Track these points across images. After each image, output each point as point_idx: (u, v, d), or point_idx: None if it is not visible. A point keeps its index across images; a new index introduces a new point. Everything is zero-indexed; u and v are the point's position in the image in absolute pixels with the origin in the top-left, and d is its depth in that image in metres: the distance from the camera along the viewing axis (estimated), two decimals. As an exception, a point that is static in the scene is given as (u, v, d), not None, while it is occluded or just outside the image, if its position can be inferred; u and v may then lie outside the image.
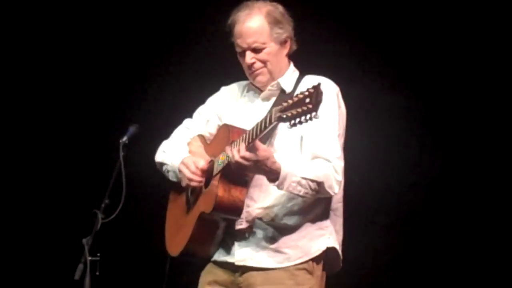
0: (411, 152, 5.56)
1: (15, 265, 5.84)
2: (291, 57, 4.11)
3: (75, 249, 4.19)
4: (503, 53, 5.38)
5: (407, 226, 5.53)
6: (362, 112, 5.31)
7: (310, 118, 3.46)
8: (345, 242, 4.03)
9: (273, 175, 3.74)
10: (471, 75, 5.45)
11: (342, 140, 3.98)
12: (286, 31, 4.01)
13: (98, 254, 4.07)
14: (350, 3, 5.58)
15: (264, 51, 3.98)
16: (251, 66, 4.00)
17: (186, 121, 4.28)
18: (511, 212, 5.38)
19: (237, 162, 3.69)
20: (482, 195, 5.42)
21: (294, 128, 3.53)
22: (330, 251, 3.96)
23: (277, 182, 3.75)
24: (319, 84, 3.48)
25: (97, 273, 4.03)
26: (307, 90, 3.49)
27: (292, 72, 4.08)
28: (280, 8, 4.04)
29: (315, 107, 3.45)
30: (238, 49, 4.03)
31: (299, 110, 3.47)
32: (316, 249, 3.92)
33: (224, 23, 4.05)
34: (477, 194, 5.44)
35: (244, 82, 4.19)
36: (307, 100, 3.46)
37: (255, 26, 3.98)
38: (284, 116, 3.52)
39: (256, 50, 3.99)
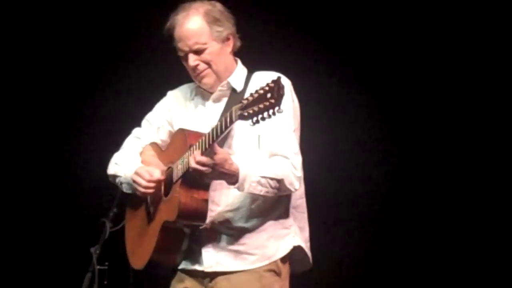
0: (371, 145, 5.54)
1: (24, 274, 5.82)
2: (238, 55, 4.03)
3: (83, 258, 4.17)
4: (456, 42, 5.39)
5: (371, 220, 5.51)
6: (316, 106, 5.27)
7: (274, 113, 3.40)
8: (312, 239, 3.99)
9: (232, 178, 3.69)
10: (427, 69, 5.45)
11: (298, 134, 3.93)
12: (226, 28, 3.92)
13: (106, 263, 4.08)
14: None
15: (206, 51, 3.90)
16: (195, 68, 3.92)
17: (136, 131, 4.18)
18: (473, 201, 5.38)
19: (194, 168, 3.63)
20: (444, 185, 5.42)
21: (256, 125, 3.46)
22: (296, 250, 3.91)
23: (237, 185, 3.70)
24: (279, 78, 3.42)
25: (105, 282, 4.04)
26: (267, 85, 3.42)
27: (241, 70, 4.00)
28: (218, 6, 3.96)
29: (278, 101, 3.38)
30: (180, 53, 3.95)
31: (261, 106, 3.40)
32: (283, 248, 3.88)
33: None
34: (439, 183, 5.43)
35: (190, 85, 4.11)
36: (269, 95, 3.39)
37: (194, 27, 3.90)
38: (246, 113, 3.45)
39: (198, 52, 3.90)
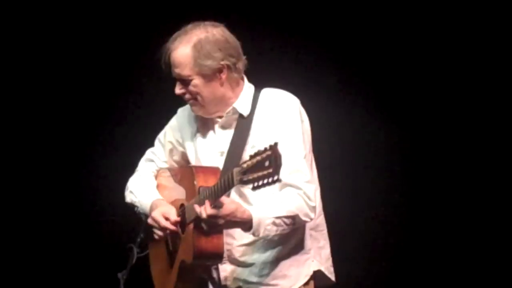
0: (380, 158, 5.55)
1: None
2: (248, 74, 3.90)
3: (111, 284, 4.19)
4: (449, 36, 5.36)
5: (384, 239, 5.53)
6: (325, 119, 5.18)
7: (273, 182, 3.27)
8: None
9: (246, 225, 3.61)
10: (437, 79, 5.43)
11: (310, 156, 3.83)
12: (217, 62, 3.73)
13: (133, 289, 4.10)
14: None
15: (192, 83, 3.77)
16: (182, 96, 3.83)
17: (149, 153, 4.13)
18: (484, 210, 5.38)
19: (206, 221, 3.56)
20: (457, 200, 5.42)
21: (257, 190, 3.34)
22: (317, 273, 3.87)
23: (251, 231, 3.61)
24: (275, 144, 3.25)
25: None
26: (265, 151, 3.27)
27: (247, 90, 3.86)
28: (218, 34, 3.76)
29: (276, 172, 3.24)
30: (173, 75, 3.85)
31: (260, 174, 3.28)
32: (304, 275, 3.84)
33: None
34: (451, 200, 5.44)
35: None
36: (266, 163, 3.26)
37: (179, 57, 3.76)
38: (246, 179, 3.33)
39: (184, 81, 3.79)
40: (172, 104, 4.16)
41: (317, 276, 3.89)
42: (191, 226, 3.72)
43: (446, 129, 5.45)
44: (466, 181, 5.42)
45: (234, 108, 3.84)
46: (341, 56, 5.47)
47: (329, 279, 3.93)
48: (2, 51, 5.80)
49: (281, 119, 3.77)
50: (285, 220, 3.65)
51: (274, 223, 3.63)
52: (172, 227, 3.82)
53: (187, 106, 3.99)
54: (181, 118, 4.05)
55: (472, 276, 5.40)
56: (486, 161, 5.40)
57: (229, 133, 3.86)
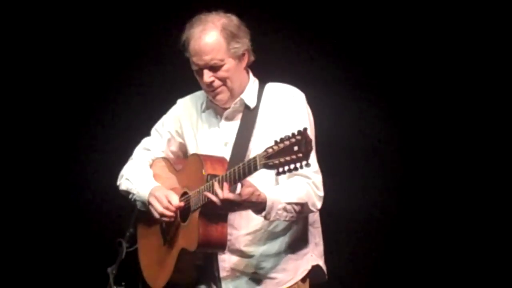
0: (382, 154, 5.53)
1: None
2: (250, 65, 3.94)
3: (100, 278, 4.17)
4: (457, 40, 5.37)
5: (386, 234, 5.52)
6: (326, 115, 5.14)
7: (301, 167, 3.32)
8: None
9: (259, 207, 3.62)
10: (443, 80, 5.42)
11: (314, 151, 3.84)
12: (243, 44, 3.81)
13: (123, 283, 4.08)
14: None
15: (223, 68, 3.79)
16: (210, 84, 3.81)
17: (145, 141, 4.11)
18: (486, 214, 5.37)
19: (221, 205, 3.57)
20: (455, 200, 5.41)
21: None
22: (314, 268, 3.89)
23: (263, 213, 3.63)
24: (305, 130, 3.32)
25: (123, 302, 4.03)
26: (294, 136, 3.32)
27: (253, 83, 3.91)
28: (235, 20, 3.84)
29: (306, 157, 3.30)
30: (194, 67, 3.83)
31: (288, 158, 3.32)
32: (302, 269, 3.86)
33: (178, 37, 3.86)
34: (449, 197, 5.42)
35: (201, 95, 4.00)
36: (295, 148, 3.31)
37: (211, 42, 3.76)
38: (271, 163, 3.36)
39: (214, 68, 3.79)
40: (165, 96, 4.17)
41: (313, 271, 3.90)
42: (196, 214, 3.71)
43: (449, 128, 5.45)
44: (465, 179, 5.43)
45: (241, 100, 3.86)
46: (344, 52, 5.48)
47: (323, 275, 3.95)
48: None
49: (289, 110, 3.79)
50: (295, 207, 3.69)
51: (285, 209, 3.66)
52: (173, 209, 3.81)
53: (188, 97, 4.03)
54: (181, 109, 4.05)
55: (470, 274, 5.39)
56: (486, 160, 5.40)
57: (234, 124, 3.88)
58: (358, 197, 5.49)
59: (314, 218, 3.92)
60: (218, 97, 3.85)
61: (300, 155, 3.30)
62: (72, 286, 5.76)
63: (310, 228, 3.91)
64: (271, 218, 3.66)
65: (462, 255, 5.39)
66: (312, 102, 3.95)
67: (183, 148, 4.04)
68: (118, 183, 4.07)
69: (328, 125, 5.14)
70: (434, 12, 5.37)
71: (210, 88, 3.83)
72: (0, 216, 5.85)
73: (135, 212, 4.12)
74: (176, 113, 4.06)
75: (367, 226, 5.52)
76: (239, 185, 3.60)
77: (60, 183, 5.87)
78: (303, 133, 3.31)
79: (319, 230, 3.96)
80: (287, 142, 3.33)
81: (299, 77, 4.01)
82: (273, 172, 3.43)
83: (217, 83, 3.82)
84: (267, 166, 3.38)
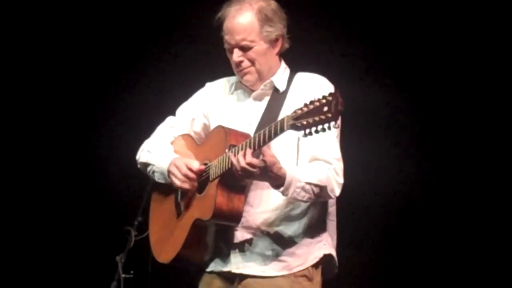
0: (402, 154, 5.51)
1: (50, 283, 5.86)
2: (282, 54, 3.95)
3: (108, 267, 4.18)
4: (494, 60, 5.35)
5: (397, 228, 5.49)
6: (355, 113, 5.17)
7: (329, 128, 3.34)
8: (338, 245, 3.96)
9: (278, 181, 3.62)
10: (461, 79, 5.41)
11: (339, 139, 3.86)
12: (277, 29, 3.84)
13: (132, 272, 4.09)
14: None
15: (253, 49, 3.83)
16: (238, 64, 3.85)
17: (169, 119, 4.11)
18: (499, 211, 5.35)
19: (243, 169, 3.55)
20: (475, 197, 5.38)
21: (308, 136, 3.39)
22: (326, 257, 3.86)
23: (282, 188, 3.63)
24: (337, 91, 3.35)
25: (131, 291, 4.04)
26: (324, 97, 3.35)
27: (283, 70, 3.93)
28: (272, 4, 3.87)
29: (335, 117, 3.31)
30: (226, 46, 3.87)
31: (316, 119, 3.33)
32: (314, 256, 3.83)
33: (209, 17, 3.89)
34: (469, 195, 5.39)
35: (231, 79, 4.03)
36: (325, 108, 3.32)
37: (244, 23, 3.81)
38: (299, 124, 3.38)
39: (244, 48, 3.83)
40: (191, 79, 4.19)
41: (324, 262, 3.87)
42: (214, 183, 3.70)
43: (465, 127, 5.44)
44: (472, 178, 5.41)
45: (271, 82, 3.89)
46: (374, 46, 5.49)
47: (334, 267, 3.92)
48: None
49: (316, 96, 3.76)
50: (314, 188, 3.68)
51: (303, 188, 3.66)
52: (194, 176, 3.80)
53: (217, 81, 4.06)
54: (209, 91, 4.07)
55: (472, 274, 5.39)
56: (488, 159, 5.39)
57: (261, 105, 3.90)
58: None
59: (330, 210, 3.91)
60: (246, 77, 3.89)
61: (330, 115, 3.31)
62: (81, 274, 5.77)
63: (325, 219, 3.89)
64: (289, 195, 3.65)
65: (487, 249, 5.37)
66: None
67: (206, 129, 4.04)
68: (137, 156, 4.06)
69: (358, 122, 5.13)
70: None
71: (239, 68, 3.87)
72: (12, 205, 5.86)
73: (144, 200, 4.12)
74: (203, 94, 4.08)
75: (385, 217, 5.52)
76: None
77: (69, 172, 5.90)
78: (334, 94, 3.34)
79: (334, 224, 3.94)
80: (317, 103, 3.35)
81: (329, 72, 4.00)
82: (296, 139, 3.53)
83: (246, 63, 3.86)
84: (294, 127, 3.40)
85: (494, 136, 5.38)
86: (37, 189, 5.88)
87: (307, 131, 3.37)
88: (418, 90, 5.47)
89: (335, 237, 3.94)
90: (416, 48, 5.46)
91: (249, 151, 3.56)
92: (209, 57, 4.04)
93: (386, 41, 5.48)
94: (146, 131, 4.14)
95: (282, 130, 3.47)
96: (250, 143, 3.59)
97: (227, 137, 3.72)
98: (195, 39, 5.45)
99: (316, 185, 3.68)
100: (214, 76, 4.11)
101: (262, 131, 3.56)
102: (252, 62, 3.85)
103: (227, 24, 3.84)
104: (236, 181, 3.67)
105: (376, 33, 5.47)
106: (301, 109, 3.39)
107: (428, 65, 5.45)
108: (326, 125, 3.33)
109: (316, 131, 3.36)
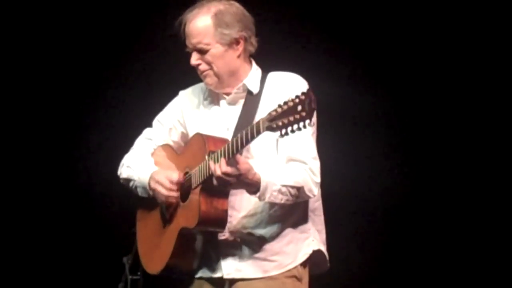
0: (388, 151, 5.55)
1: (57, 284, 5.89)
2: (253, 55, 3.94)
3: (116, 268, 4.20)
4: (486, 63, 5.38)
5: (389, 222, 5.51)
6: (330, 107, 5.12)
7: (304, 126, 3.34)
8: (329, 241, 3.96)
9: (254, 188, 3.64)
10: (448, 74, 5.44)
11: (315, 138, 3.87)
12: (235, 32, 3.82)
13: (139, 273, 4.10)
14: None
15: (209, 52, 3.83)
16: (196, 67, 3.87)
17: (147, 131, 4.10)
18: (488, 209, 5.38)
19: (219, 178, 3.57)
20: (459, 192, 5.42)
21: (285, 136, 3.40)
22: (316, 253, 3.88)
23: (258, 194, 3.64)
24: (309, 90, 3.36)
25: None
26: (297, 97, 3.35)
27: (255, 71, 3.92)
28: (234, 8, 3.87)
29: (309, 115, 3.32)
30: (186, 49, 3.89)
31: (291, 118, 3.34)
32: (303, 253, 3.84)
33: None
34: (454, 190, 5.44)
35: (203, 85, 4.01)
36: (299, 107, 3.33)
37: (199, 26, 3.82)
38: (274, 125, 3.38)
39: (201, 51, 3.84)
40: (166, 89, 4.20)
41: (314, 257, 3.89)
42: (197, 191, 3.71)
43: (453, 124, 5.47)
44: (466, 176, 5.45)
45: (244, 85, 3.89)
46: (350, 44, 5.50)
47: (325, 262, 3.94)
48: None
49: (291, 95, 3.74)
50: (291, 190, 3.70)
51: (280, 191, 3.67)
52: (176, 187, 3.81)
53: (190, 88, 4.06)
54: (183, 99, 4.07)
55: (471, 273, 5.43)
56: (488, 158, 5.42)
57: (236, 109, 3.90)
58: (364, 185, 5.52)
59: (315, 205, 3.92)
60: (206, 80, 3.90)
61: (304, 114, 3.33)
62: (89, 276, 5.79)
63: (311, 215, 3.90)
64: (266, 199, 3.67)
65: (473, 249, 5.40)
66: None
67: (184, 138, 4.04)
68: (119, 172, 4.06)
69: (334, 116, 5.17)
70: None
71: (198, 71, 3.89)
72: (14, 208, 5.89)
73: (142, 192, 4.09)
74: (178, 103, 4.08)
75: (372, 215, 5.54)
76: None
77: (73, 174, 5.90)
78: (307, 92, 3.35)
79: (321, 218, 3.95)
80: (291, 103, 3.36)
81: (300, 69, 4.03)
82: (275, 141, 3.55)
83: (203, 66, 3.87)
84: (270, 129, 3.41)
85: (481, 136, 5.40)
86: (46, 189, 5.89)
87: (283, 131, 3.38)
88: (401, 90, 5.49)
89: (324, 231, 3.95)
90: (399, 49, 5.48)
91: (223, 160, 3.57)
92: (180, 64, 4.06)
93: (368, 41, 5.48)
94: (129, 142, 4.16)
95: (258, 133, 3.48)
96: (228, 148, 3.59)
97: (206, 144, 3.73)
98: (165, 47, 5.42)
99: (292, 187, 3.70)
100: (187, 84, 4.11)
101: (239, 135, 3.57)
102: (210, 65, 3.85)
103: (185, 28, 3.86)
104: (217, 188, 3.67)
105: (358, 33, 5.49)
106: (275, 110, 3.40)
107: (413, 67, 5.47)
108: (301, 124, 3.34)
109: (292, 131, 3.37)
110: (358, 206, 5.53)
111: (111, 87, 5.80)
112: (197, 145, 3.80)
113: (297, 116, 3.34)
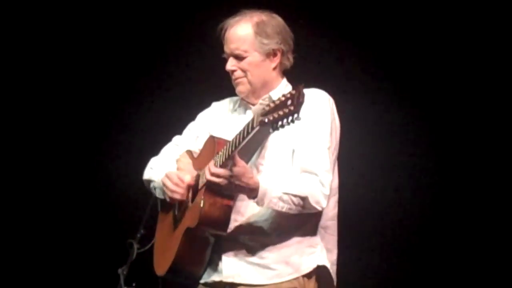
0: (409, 169, 5.50)
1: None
2: (286, 73, 3.97)
3: (111, 279, 4.20)
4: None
5: (404, 245, 5.47)
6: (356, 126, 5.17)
7: (292, 121, 3.35)
8: (341, 262, 3.92)
9: (252, 192, 3.64)
10: (470, 82, 5.40)
11: (335, 154, 3.85)
12: (274, 43, 3.86)
13: (134, 284, 4.13)
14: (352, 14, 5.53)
15: (246, 59, 3.87)
16: (231, 73, 3.91)
17: (176, 138, 4.17)
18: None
19: (209, 178, 3.61)
20: (481, 206, 5.34)
21: (275, 131, 3.42)
22: (321, 269, 3.82)
23: (256, 199, 3.64)
24: (300, 86, 3.38)
25: (133, 302, 4.05)
26: (289, 92, 3.38)
27: (285, 86, 3.95)
28: (276, 20, 3.92)
29: (297, 109, 3.33)
30: (224, 55, 3.93)
31: (281, 112, 3.35)
32: (306, 266, 3.79)
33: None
34: (475, 206, 5.36)
35: (236, 98, 4.06)
36: (289, 102, 3.35)
37: (239, 32, 3.87)
38: (266, 120, 3.39)
39: (238, 58, 3.88)
40: (200, 100, 4.24)
41: (320, 274, 3.84)
42: (201, 191, 3.72)
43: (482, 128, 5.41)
44: (494, 193, 5.37)
45: (270, 97, 3.87)
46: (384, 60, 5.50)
47: (331, 281, 3.88)
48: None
49: (312, 110, 3.78)
50: (293, 198, 3.68)
51: (281, 198, 3.66)
52: (184, 186, 3.84)
53: (222, 100, 4.11)
54: (214, 110, 4.12)
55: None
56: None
57: None
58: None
59: (328, 224, 3.88)
60: (238, 87, 3.93)
61: (292, 108, 3.33)
62: (84, 286, 5.79)
63: (322, 231, 3.86)
64: (265, 205, 3.66)
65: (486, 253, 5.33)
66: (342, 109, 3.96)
67: None
68: (143, 174, 4.11)
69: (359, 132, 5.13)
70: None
71: (233, 77, 3.92)
72: (14, 215, 5.91)
73: (147, 213, 4.15)
74: (209, 113, 4.14)
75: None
76: None
77: (74, 184, 5.93)
78: (297, 88, 3.37)
79: (334, 238, 3.91)
80: (282, 98, 3.39)
81: (333, 86, 4.02)
82: (291, 152, 3.58)
83: (238, 73, 3.90)
84: (262, 123, 3.41)
85: (495, 138, 5.34)
86: (40, 199, 5.93)
87: (274, 125, 3.39)
88: (421, 98, 5.46)
89: (335, 252, 3.90)
90: (427, 64, 5.46)
91: (212, 162, 3.62)
92: (217, 78, 4.09)
93: (396, 54, 5.48)
94: (156, 148, 4.19)
95: (253, 128, 3.50)
96: (228, 147, 3.63)
97: (215, 145, 3.77)
98: (202, 58, 5.49)
99: (295, 195, 3.67)
100: (221, 96, 4.14)
101: (236, 134, 3.60)
102: (245, 72, 3.89)
103: (225, 34, 3.91)
104: (220, 190, 3.68)
105: (388, 47, 5.49)
106: (268, 105, 3.43)
107: (432, 73, 5.44)
108: (290, 118, 3.35)
109: (282, 126, 3.37)
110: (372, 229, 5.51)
111: (148, 94, 5.88)
112: (208, 147, 3.86)
113: (286, 110, 3.35)
